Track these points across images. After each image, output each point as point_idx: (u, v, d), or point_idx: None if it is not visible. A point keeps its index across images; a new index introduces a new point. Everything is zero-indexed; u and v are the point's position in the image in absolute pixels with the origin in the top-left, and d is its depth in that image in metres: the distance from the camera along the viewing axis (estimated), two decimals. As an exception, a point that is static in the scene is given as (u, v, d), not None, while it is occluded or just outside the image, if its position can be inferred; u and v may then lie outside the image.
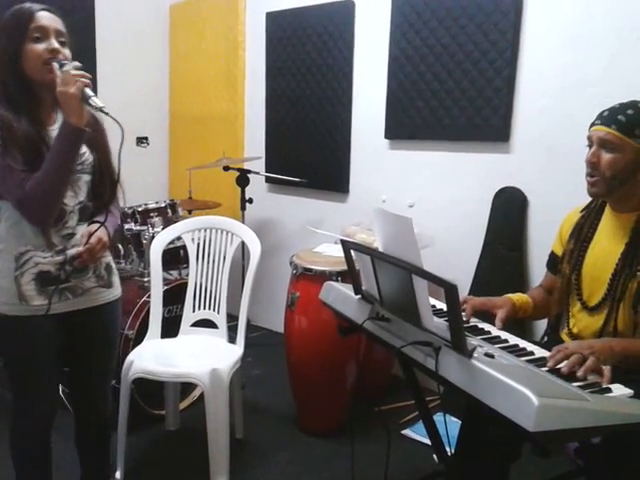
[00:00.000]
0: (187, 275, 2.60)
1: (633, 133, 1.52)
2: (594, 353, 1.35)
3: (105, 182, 1.72)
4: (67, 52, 1.61)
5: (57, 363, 1.75)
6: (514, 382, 1.11)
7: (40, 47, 1.55)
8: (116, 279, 1.86)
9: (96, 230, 1.66)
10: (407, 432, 2.68)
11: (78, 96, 1.50)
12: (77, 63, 1.56)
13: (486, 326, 1.65)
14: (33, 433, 1.75)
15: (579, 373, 1.30)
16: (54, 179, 1.53)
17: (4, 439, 1.77)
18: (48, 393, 1.74)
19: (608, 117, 1.56)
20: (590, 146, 1.61)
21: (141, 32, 4.17)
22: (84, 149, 1.67)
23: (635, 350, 1.46)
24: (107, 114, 1.52)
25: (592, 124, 1.61)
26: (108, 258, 1.82)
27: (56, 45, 1.57)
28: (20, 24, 1.54)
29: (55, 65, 1.54)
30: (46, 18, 1.57)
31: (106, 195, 1.73)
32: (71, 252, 1.66)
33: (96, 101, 1.52)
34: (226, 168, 3.26)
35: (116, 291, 1.85)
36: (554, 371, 1.32)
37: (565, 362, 1.34)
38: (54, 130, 1.61)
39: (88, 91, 1.52)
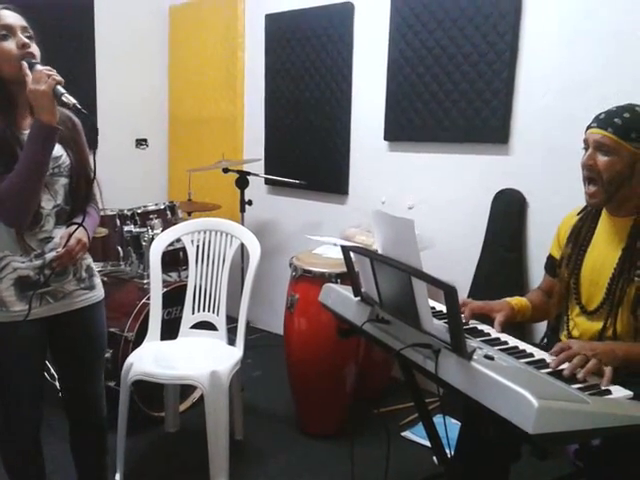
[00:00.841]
0: (186, 277, 2.60)
1: (629, 137, 1.51)
2: (596, 355, 1.35)
3: (82, 183, 1.71)
4: (35, 47, 1.59)
5: (39, 367, 1.74)
6: (514, 384, 1.11)
7: (9, 44, 1.53)
8: (98, 281, 1.83)
9: (74, 231, 1.64)
10: (407, 434, 2.67)
11: (49, 93, 1.49)
12: (50, 68, 1.54)
13: (486, 328, 1.64)
14: (20, 436, 1.73)
15: (579, 375, 1.29)
16: (27, 180, 1.51)
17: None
18: (31, 397, 1.71)
19: (604, 120, 1.55)
20: (586, 149, 1.60)
21: (141, 34, 4.18)
22: (61, 151, 1.65)
23: (637, 354, 1.46)
24: (80, 110, 1.51)
25: (588, 127, 1.60)
26: (88, 260, 1.80)
27: (25, 40, 1.55)
28: None
29: (25, 64, 1.53)
30: (9, 17, 1.55)
31: (83, 196, 1.72)
32: (49, 256, 1.64)
33: (69, 97, 1.50)
34: (225, 170, 3.26)
35: (98, 292, 1.82)
36: (554, 373, 1.31)
37: (567, 364, 1.34)
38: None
39: (60, 88, 1.51)
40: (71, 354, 1.80)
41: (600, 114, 1.59)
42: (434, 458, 2.26)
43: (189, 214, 3.44)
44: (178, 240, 2.62)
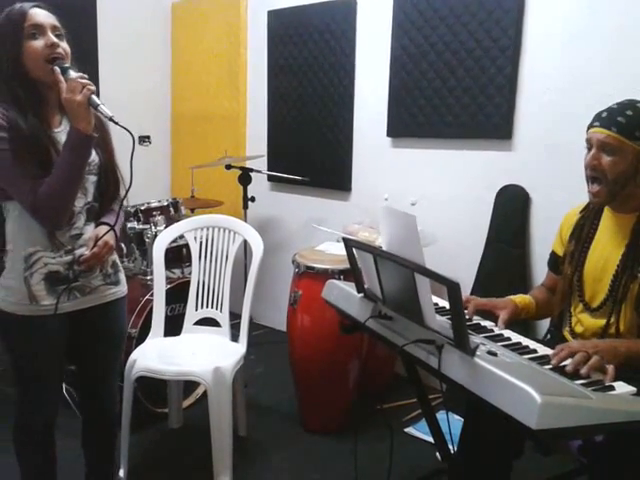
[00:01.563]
0: (190, 274, 2.60)
1: (633, 135, 1.50)
2: (598, 352, 1.35)
3: (110, 181, 1.74)
4: (65, 45, 1.60)
5: (62, 361, 1.77)
6: (517, 380, 1.11)
7: (39, 43, 1.54)
8: (122, 276, 1.88)
9: (104, 234, 1.68)
10: (410, 430, 2.68)
11: (85, 104, 1.50)
12: (83, 74, 1.55)
13: (489, 324, 1.65)
14: (36, 430, 1.76)
15: (583, 371, 1.29)
16: (66, 185, 1.55)
17: (6, 436, 1.78)
18: (52, 391, 1.76)
19: (607, 119, 1.54)
20: (589, 148, 1.58)
21: (143, 31, 4.17)
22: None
23: (638, 351, 1.46)
24: (117, 123, 1.53)
25: (590, 125, 1.58)
26: (114, 256, 1.83)
27: (54, 39, 1.56)
28: (15, 25, 1.54)
29: (57, 70, 1.53)
30: (40, 15, 1.57)
31: (111, 193, 1.75)
32: (79, 252, 1.67)
33: (105, 110, 1.52)
34: (228, 167, 3.26)
35: (123, 288, 1.87)
36: (557, 369, 1.31)
37: (569, 360, 1.34)
38: (59, 132, 1.62)
39: (96, 99, 1.52)
40: (92, 350, 1.83)
41: (602, 112, 1.57)
42: (437, 454, 2.26)
43: (192, 211, 3.45)
44: (181, 237, 2.63)
